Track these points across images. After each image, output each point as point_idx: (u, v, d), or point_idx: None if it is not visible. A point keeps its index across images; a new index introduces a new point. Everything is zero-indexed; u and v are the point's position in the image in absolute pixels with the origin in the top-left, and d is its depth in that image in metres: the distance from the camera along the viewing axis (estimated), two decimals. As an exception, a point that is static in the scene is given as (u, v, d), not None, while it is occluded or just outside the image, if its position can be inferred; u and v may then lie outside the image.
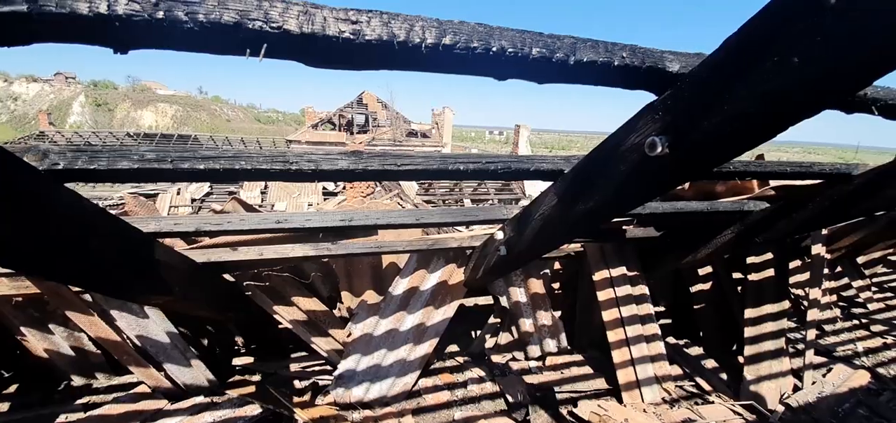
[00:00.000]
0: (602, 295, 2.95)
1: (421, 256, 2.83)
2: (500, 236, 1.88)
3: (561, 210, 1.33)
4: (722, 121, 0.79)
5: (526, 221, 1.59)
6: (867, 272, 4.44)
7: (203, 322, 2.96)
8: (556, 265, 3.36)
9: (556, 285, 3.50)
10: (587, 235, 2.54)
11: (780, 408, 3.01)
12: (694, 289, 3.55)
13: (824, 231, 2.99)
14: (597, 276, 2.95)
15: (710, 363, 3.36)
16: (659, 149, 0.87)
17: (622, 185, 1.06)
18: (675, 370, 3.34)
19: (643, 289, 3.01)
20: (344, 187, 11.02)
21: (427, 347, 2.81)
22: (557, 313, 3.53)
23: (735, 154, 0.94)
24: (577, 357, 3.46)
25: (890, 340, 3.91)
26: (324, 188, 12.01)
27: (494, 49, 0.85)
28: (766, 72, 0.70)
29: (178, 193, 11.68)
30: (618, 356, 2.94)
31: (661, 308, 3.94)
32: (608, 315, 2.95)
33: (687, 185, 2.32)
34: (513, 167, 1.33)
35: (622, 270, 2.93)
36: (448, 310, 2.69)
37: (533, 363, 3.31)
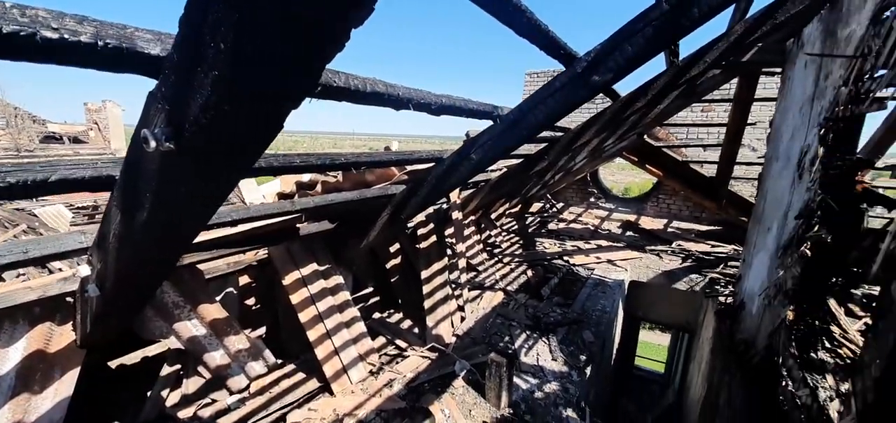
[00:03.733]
0: (296, 297, 2.89)
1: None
2: (86, 271, 1.42)
3: (126, 227, 1.07)
4: (205, 108, 0.75)
5: (104, 245, 1.23)
6: (498, 223, 6.45)
7: None
8: (245, 279, 3.06)
9: (251, 302, 3.20)
10: (180, 251, 2.19)
11: (453, 339, 3.88)
12: (389, 265, 4.06)
13: (458, 200, 4.07)
14: (287, 279, 2.86)
15: (406, 324, 3.95)
16: (153, 144, 0.76)
17: (157, 191, 0.91)
18: (380, 340, 3.74)
19: (337, 279, 3.16)
20: None
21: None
22: (260, 331, 3.25)
23: (254, 147, 0.92)
24: (290, 367, 3.31)
25: (513, 266, 5.78)
26: None
27: None
28: (209, 56, 0.68)
29: None
30: (321, 351, 2.97)
31: (370, 289, 4.34)
32: (306, 314, 2.92)
33: (340, 177, 2.55)
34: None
35: (313, 266, 2.97)
36: (62, 388, 1.91)
37: (235, 398, 2.91)
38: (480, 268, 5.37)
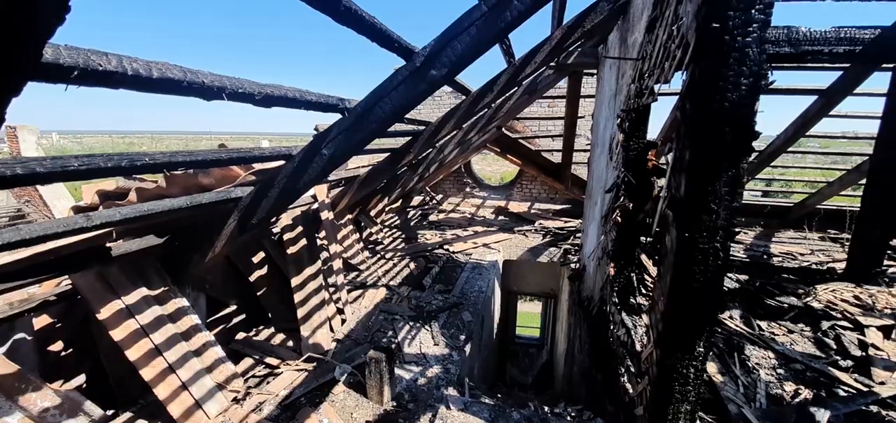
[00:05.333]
0: (120, 332, 2.37)
1: None
2: None
3: None
4: None
5: None
6: (379, 219, 6.40)
7: None
8: (45, 319, 2.40)
9: (57, 347, 2.53)
10: None
11: (333, 345, 3.71)
12: (253, 276, 3.66)
13: (328, 199, 3.90)
14: (104, 312, 2.33)
15: (278, 339, 3.63)
16: None
17: None
18: (247, 362, 3.36)
19: (179, 302, 2.71)
20: None
21: None
22: (78, 380, 2.60)
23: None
24: (126, 416, 2.74)
25: (395, 261, 5.81)
26: None
27: None
28: None
29: None
30: (163, 389, 2.52)
31: (232, 307, 3.85)
32: (136, 350, 2.43)
33: (162, 181, 2.18)
34: None
35: (141, 291, 2.48)
36: None
37: (38, 473, 2.27)
38: (362, 267, 5.25)
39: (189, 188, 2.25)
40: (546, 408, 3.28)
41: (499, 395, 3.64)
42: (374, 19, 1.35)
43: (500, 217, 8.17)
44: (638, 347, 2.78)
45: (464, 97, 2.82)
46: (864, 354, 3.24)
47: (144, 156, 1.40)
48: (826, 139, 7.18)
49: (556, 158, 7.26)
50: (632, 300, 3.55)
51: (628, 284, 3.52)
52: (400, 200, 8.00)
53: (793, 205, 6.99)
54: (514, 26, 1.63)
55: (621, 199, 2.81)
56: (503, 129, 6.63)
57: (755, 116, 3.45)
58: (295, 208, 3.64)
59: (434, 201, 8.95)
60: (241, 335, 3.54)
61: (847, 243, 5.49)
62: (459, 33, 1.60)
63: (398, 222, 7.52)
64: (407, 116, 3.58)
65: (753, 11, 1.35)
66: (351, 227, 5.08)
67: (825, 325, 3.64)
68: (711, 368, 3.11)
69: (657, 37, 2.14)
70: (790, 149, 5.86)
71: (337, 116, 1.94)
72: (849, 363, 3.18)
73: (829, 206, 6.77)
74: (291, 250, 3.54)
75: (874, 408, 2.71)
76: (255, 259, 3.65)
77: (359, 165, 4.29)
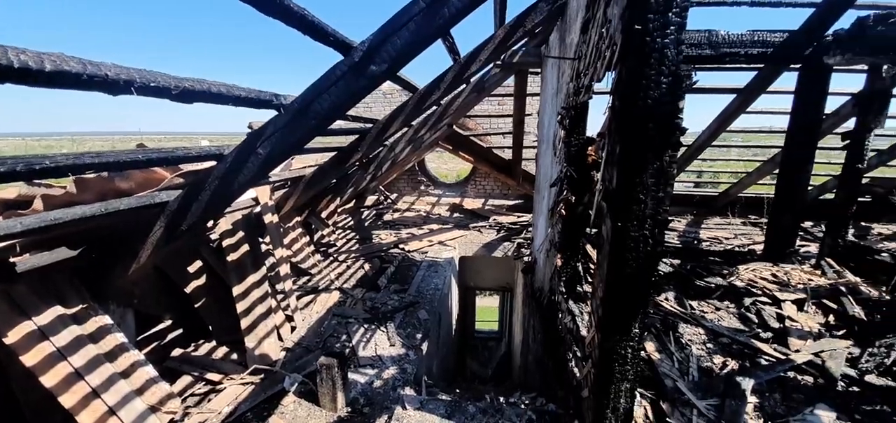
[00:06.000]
0: (32, 356, 2.11)
1: None
2: None
3: None
4: None
5: None
6: (331, 221, 6.21)
7: None
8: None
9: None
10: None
11: (282, 354, 3.55)
12: (190, 287, 3.41)
13: (272, 201, 3.72)
14: (12, 336, 2.05)
15: (221, 352, 3.41)
16: None
17: None
18: (186, 380, 3.13)
19: (101, 321, 2.45)
20: None
21: None
22: (-24, 417, 2.28)
23: None
24: (38, 454, 2.44)
25: (349, 263, 5.67)
26: None
27: None
28: None
29: None
30: (86, 417, 2.27)
31: (167, 322, 3.57)
32: (53, 376, 2.17)
33: (72, 186, 1.97)
34: None
35: (56, 310, 2.21)
36: None
37: None
38: (313, 271, 5.07)
39: (105, 194, 2.04)
40: (502, 399, 3.35)
41: (457, 390, 3.67)
42: (305, 11, 1.30)
43: (456, 214, 8.24)
44: (583, 332, 2.91)
45: (411, 94, 2.80)
46: (781, 326, 3.62)
47: (44, 159, 1.24)
48: (747, 134, 7.93)
49: (508, 154, 7.44)
50: (578, 289, 3.72)
51: (575, 273, 3.68)
52: (353, 201, 7.82)
53: (718, 194, 7.68)
54: (453, 22, 1.64)
55: (564, 192, 2.93)
56: (454, 126, 6.68)
57: (680, 113, 3.70)
58: (234, 212, 3.43)
59: (389, 201, 8.84)
60: (177, 352, 3.29)
61: (764, 227, 6.13)
62: (399, 28, 1.58)
63: (352, 222, 7.35)
64: (355, 114, 3.49)
65: (670, 14, 1.45)
66: (300, 230, 4.88)
67: (747, 301, 4.02)
68: (650, 346, 3.34)
69: (590, 38, 2.24)
70: (715, 143, 6.43)
71: (273, 113, 1.85)
72: (768, 334, 3.54)
73: (749, 194, 7.51)
74: (232, 256, 3.34)
75: (791, 374, 3.04)
76: (192, 268, 3.40)
77: (305, 164, 4.12)
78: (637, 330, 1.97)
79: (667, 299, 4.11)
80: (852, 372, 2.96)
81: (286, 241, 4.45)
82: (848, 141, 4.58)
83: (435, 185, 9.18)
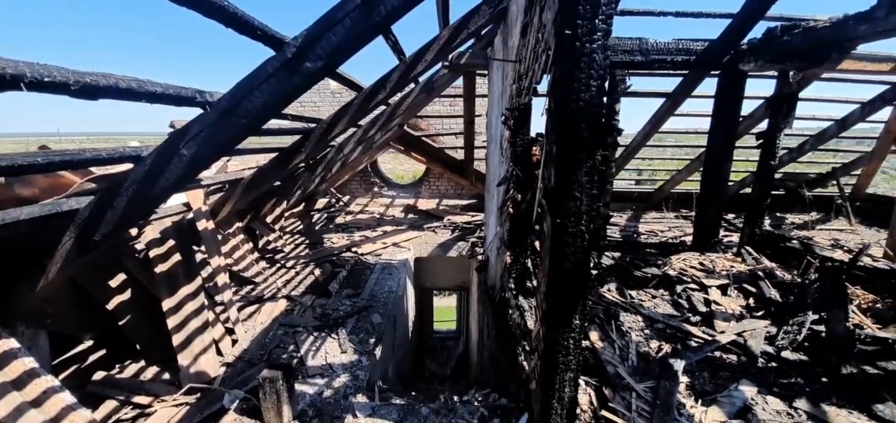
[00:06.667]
0: None
1: None
2: None
3: None
4: None
5: None
6: (278, 226, 5.93)
7: None
8: None
9: None
10: None
11: (222, 370, 3.33)
12: (113, 303, 3.09)
13: (206, 206, 3.47)
14: None
15: (151, 372, 3.13)
16: None
17: None
18: (110, 405, 2.84)
19: (6, 344, 2.14)
20: None
21: None
22: None
23: None
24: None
25: (298, 269, 5.44)
26: None
27: None
28: None
29: None
30: (-21, 459, 1.98)
31: (88, 342, 3.22)
32: (-68, 417, 1.87)
33: None
34: None
35: (-64, 339, 1.91)
36: None
37: None
38: (258, 279, 4.80)
39: (3, 202, 1.79)
40: (456, 398, 3.36)
41: (413, 393, 3.63)
42: (225, 2, 1.21)
43: (410, 215, 8.19)
44: (531, 326, 3.00)
45: (356, 94, 2.73)
46: (708, 309, 3.95)
47: None
48: (679, 135, 8.61)
49: (461, 155, 7.52)
50: (528, 284, 3.83)
51: (524, 270, 3.79)
52: (302, 204, 7.52)
53: (654, 190, 8.27)
54: (391, 20, 1.61)
55: (511, 191, 3.00)
56: (406, 127, 6.64)
57: (616, 114, 3.92)
58: (162, 219, 3.16)
59: (341, 203, 8.61)
60: (99, 375, 2.97)
61: (693, 220, 6.69)
62: (334, 25, 1.53)
63: (301, 227, 7.05)
64: (301, 113, 3.35)
65: (597, 21, 1.52)
66: (242, 236, 4.60)
67: (679, 288, 4.36)
68: (594, 336, 3.51)
69: (529, 41, 2.32)
70: (652, 143, 6.92)
71: (199, 111, 1.72)
72: (697, 318, 3.85)
73: (681, 190, 8.16)
74: (162, 267, 3.07)
75: (717, 353, 3.33)
76: (114, 282, 3.09)
77: (244, 166, 3.89)
78: (578, 322, 2.06)
79: (609, 290, 4.35)
80: (770, 349, 3.29)
81: (226, 248, 4.18)
82: (761, 140, 5.11)
83: (388, 186, 9.06)
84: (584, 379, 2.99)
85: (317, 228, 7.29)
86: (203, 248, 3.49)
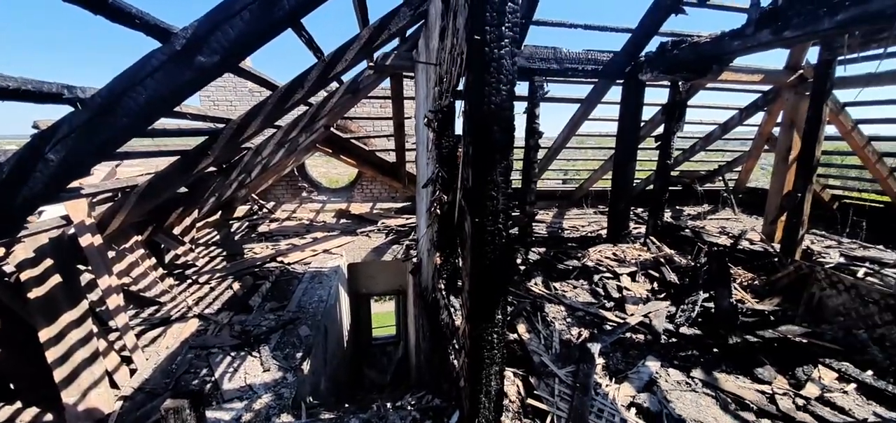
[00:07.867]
0: None
1: None
2: None
3: None
4: None
5: None
6: (188, 238, 5.36)
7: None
8: None
9: None
10: None
11: (118, 405, 2.91)
12: (-35, 342, 2.55)
13: (93, 219, 3.02)
14: None
15: (28, 415, 2.64)
16: None
17: None
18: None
19: None
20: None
21: None
22: None
23: None
24: None
25: (212, 284, 4.96)
26: None
27: None
28: None
29: None
30: None
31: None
32: None
33: None
34: None
35: None
36: None
37: None
38: (163, 298, 4.29)
39: None
40: (389, 404, 3.30)
41: (346, 405, 3.49)
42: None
43: (342, 220, 7.92)
44: (459, 325, 3.05)
45: (270, 92, 2.56)
46: (620, 295, 4.34)
47: None
48: (597, 137, 9.36)
49: (393, 157, 7.44)
50: (458, 284, 3.90)
51: (455, 269, 3.85)
52: (218, 212, 6.89)
53: (575, 189, 8.93)
54: (297, 15, 1.53)
55: (437, 193, 3.03)
56: (333, 129, 6.40)
57: (537, 118, 4.11)
58: (36, 235, 2.68)
59: (264, 210, 8.04)
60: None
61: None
62: (230, 17, 1.42)
63: (217, 237, 6.46)
64: (217, 114, 3.05)
65: (504, 28, 1.59)
66: (142, 251, 4.07)
67: (596, 278, 4.74)
68: (521, 328, 3.68)
69: (446, 45, 2.36)
70: (574, 146, 7.46)
71: (69, 109, 1.48)
72: (611, 304, 4.21)
73: (598, 188, 8.90)
74: (37, 292, 2.60)
75: (628, 334, 3.66)
76: (-30, 315, 2.55)
77: (140, 172, 3.45)
78: (500, 317, 2.13)
79: (535, 283, 4.59)
80: (670, 326, 3.70)
81: (121, 266, 3.66)
82: (660, 142, 5.75)
83: (318, 190, 8.67)
84: (512, 371, 3.11)
85: (236, 238, 6.72)
86: (90, 267, 3.01)
